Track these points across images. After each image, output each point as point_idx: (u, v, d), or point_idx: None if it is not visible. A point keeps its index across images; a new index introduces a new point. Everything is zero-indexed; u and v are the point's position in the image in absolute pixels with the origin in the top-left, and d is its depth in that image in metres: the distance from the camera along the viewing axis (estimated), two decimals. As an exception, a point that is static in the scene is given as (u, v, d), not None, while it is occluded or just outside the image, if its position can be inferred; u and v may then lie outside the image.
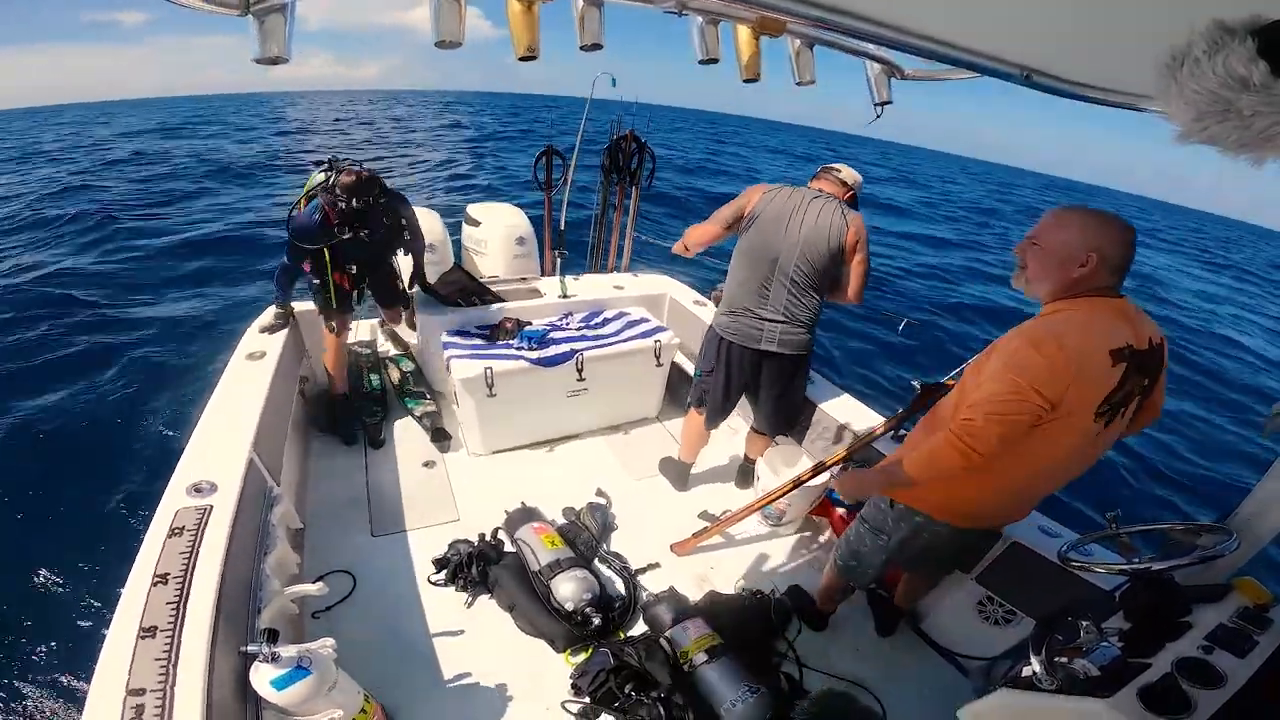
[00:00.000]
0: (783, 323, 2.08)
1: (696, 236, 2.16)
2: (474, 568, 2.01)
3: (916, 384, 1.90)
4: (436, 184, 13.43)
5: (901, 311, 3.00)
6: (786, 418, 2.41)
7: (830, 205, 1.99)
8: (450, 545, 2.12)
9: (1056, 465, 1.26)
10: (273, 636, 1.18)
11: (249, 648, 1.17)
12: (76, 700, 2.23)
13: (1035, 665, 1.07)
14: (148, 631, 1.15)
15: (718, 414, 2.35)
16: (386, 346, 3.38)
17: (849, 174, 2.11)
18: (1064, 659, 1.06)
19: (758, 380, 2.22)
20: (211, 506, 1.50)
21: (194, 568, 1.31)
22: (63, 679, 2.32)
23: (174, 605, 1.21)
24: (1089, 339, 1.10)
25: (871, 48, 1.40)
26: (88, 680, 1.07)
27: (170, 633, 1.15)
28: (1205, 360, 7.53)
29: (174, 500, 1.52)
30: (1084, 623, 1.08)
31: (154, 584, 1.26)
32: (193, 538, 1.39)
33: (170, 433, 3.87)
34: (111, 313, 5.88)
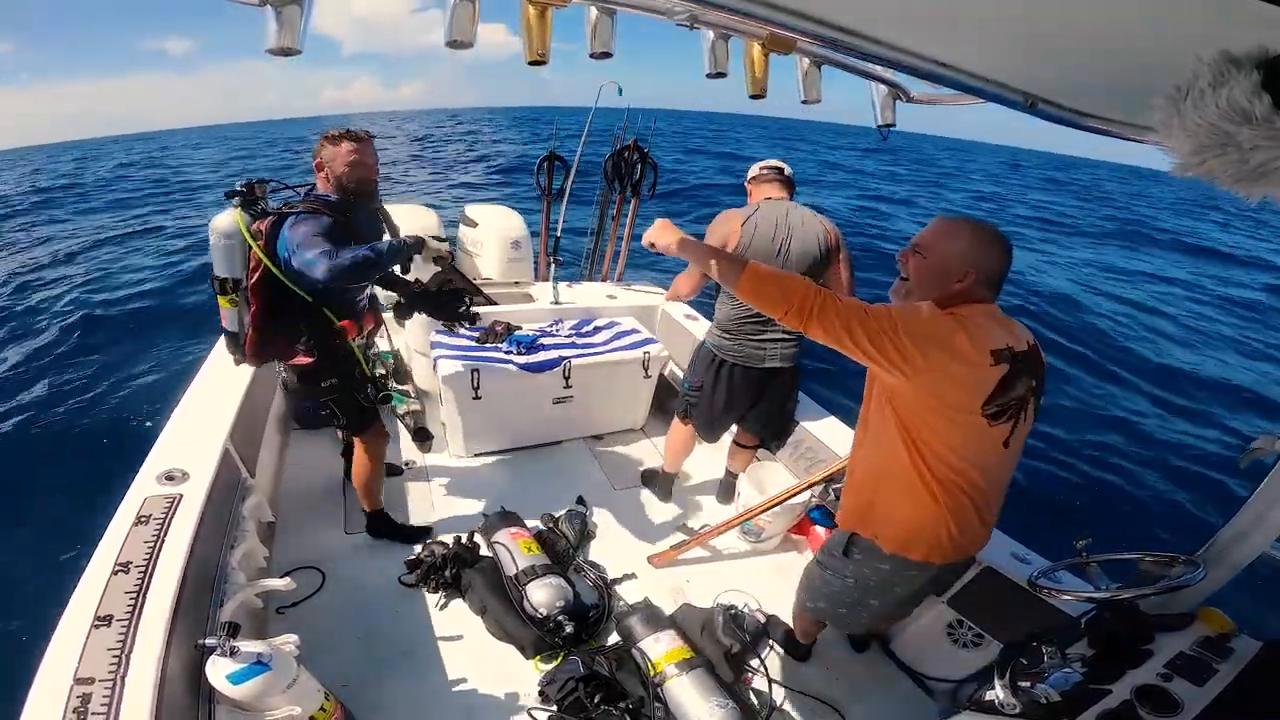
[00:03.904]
0: (782, 340, 2.09)
1: (687, 288, 2.14)
2: (448, 570, 1.99)
3: None
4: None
5: None
6: (783, 426, 2.43)
7: (805, 214, 2.00)
8: (425, 546, 2.09)
9: (973, 469, 1.20)
10: (233, 630, 1.15)
11: (207, 640, 1.15)
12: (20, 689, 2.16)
13: (999, 689, 1.07)
14: (103, 620, 1.12)
15: (714, 428, 2.35)
16: (375, 342, 3.36)
17: (758, 166, 2.09)
18: (1027, 684, 1.07)
19: (760, 396, 2.22)
20: (181, 495, 1.48)
21: (157, 557, 1.28)
22: (7, 667, 2.24)
23: (133, 595, 1.18)
24: (972, 329, 1.13)
25: (879, 70, 1.44)
26: (33, 669, 1.03)
27: (126, 622, 1.13)
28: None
29: (143, 488, 1.50)
30: (1048, 648, 1.09)
31: (114, 572, 1.23)
32: (159, 527, 1.36)
33: (148, 420, 3.81)
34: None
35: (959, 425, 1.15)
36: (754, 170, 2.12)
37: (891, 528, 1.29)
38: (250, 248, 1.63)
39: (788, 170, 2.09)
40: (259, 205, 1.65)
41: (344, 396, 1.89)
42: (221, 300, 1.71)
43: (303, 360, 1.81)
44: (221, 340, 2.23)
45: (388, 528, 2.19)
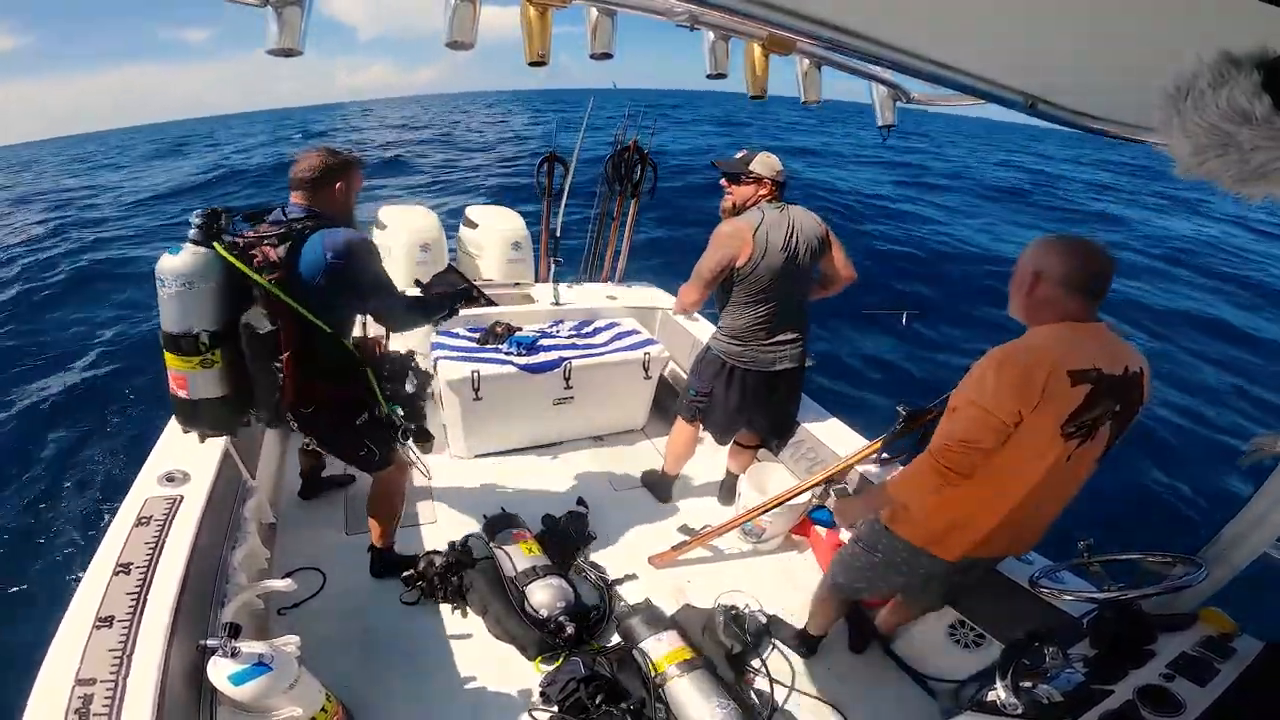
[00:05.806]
0: (792, 341, 2.11)
1: (692, 298, 2.11)
2: (451, 577, 1.96)
3: (902, 409, 1.91)
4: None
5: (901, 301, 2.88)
6: (787, 425, 2.45)
7: (800, 214, 2.00)
8: (424, 557, 2.06)
9: (1037, 485, 1.24)
10: (234, 631, 1.15)
11: (208, 641, 1.15)
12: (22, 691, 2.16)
13: (1001, 690, 1.07)
14: (104, 621, 1.12)
15: (729, 432, 2.37)
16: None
17: (773, 166, 2.01)
18: (1029, 684, 1.07)
19: (770, 397, 2.23)
20: (182, 497, 1.48)
21: (158, 558, 1.28)
22: (9, 669, 2.24)
23: (134, 596, 1.19)
24: (1045, 361, 1.12)
25: (879, 70, 1.44)
26: (34, 670, 1.04)
27: (128, 623, 1.13)
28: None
29: (144, 489, 1.50)
30: (1050, 649, 1.09)
31: (115, 573, 1.23)
32: (160, 528, 1.36)
33: (145, 422, 3.81)
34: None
35: (1032, 450, 1.17)
36: (757, 168, 2.01)
37: (943, 532, 1.34)
38: (242, 287, 1.32)
39: (774, 169, 2.02)
40: (223, 237, 1.33)
41: (377, 428, 1.66)
42: (185, 363, 1.31)
43: (336, 397, 1.58)
44: None
45: (392, 566, 2.01)
